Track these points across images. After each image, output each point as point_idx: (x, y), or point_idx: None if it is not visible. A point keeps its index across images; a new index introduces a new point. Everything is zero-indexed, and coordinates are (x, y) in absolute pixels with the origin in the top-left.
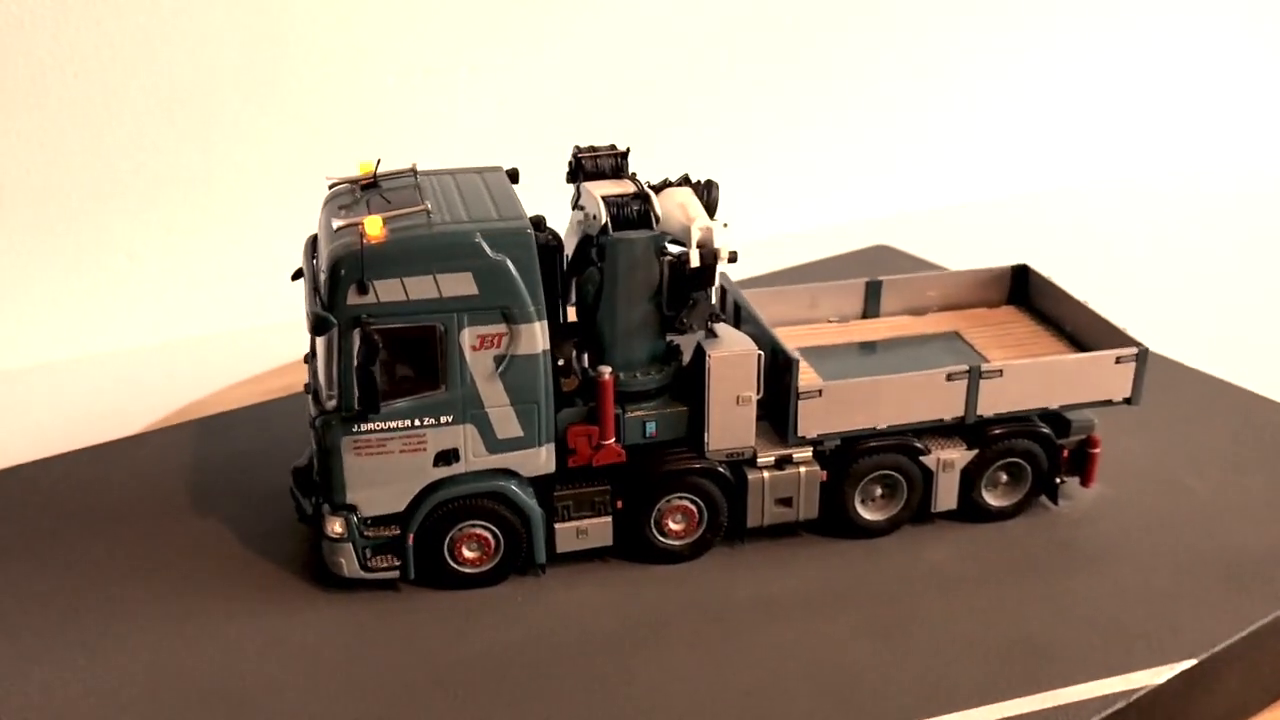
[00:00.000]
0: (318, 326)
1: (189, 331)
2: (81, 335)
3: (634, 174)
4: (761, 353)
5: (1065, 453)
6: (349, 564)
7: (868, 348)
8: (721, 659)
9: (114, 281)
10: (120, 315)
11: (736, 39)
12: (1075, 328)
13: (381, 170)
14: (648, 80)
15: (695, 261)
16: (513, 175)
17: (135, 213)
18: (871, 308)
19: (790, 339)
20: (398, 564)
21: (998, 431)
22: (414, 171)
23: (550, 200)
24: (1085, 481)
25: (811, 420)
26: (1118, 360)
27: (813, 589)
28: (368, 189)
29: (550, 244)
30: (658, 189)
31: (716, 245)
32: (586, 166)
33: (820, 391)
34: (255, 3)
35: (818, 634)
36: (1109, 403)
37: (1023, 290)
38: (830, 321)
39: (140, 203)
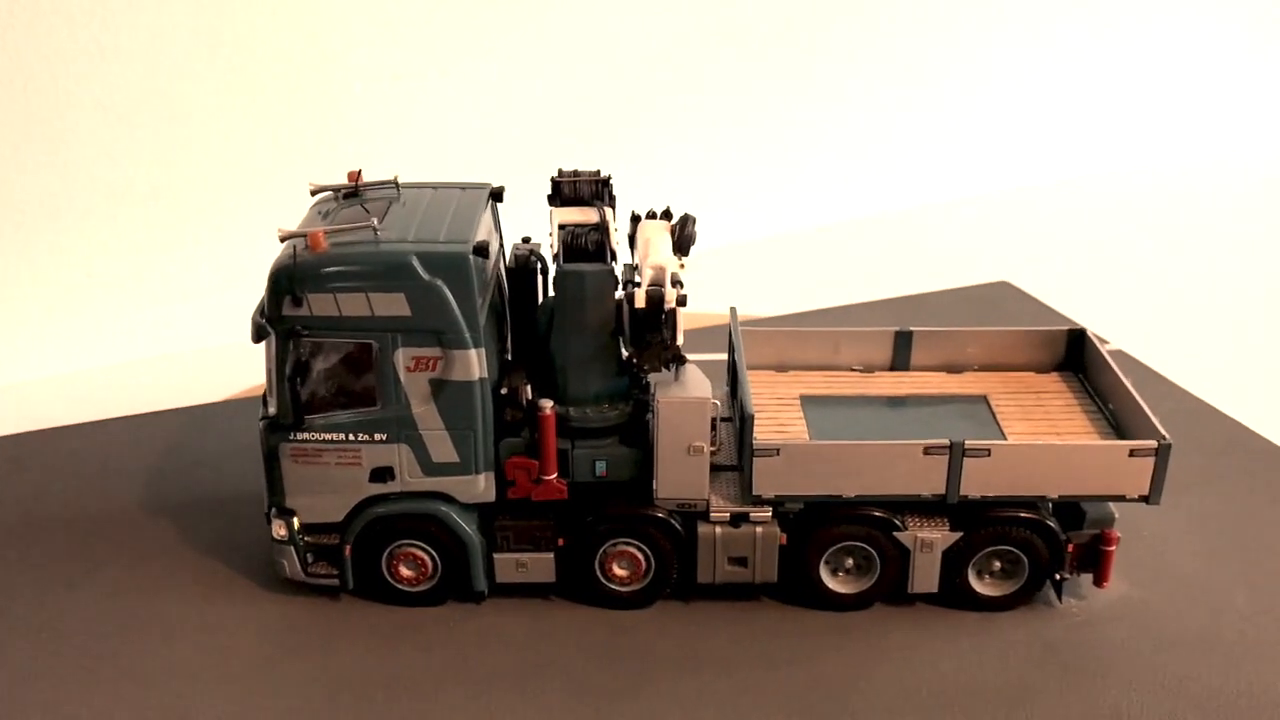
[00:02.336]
0: (255, 334)
1: (151, 351)
2: (40, 356)
3: (610, 201)
4: (716, 401)
5: (1071, 547)
6: (290, 566)
7: (879, 403)
8: (613, 712)
9: (73, 300)
10: (80, 335)
11: (712, 37)
12: (1116, 408)
13: (364, 181)
14: (623, 82)
15: (640, 301)
16: (496, 194)
17: (93, 229)
18: (900, 359)
19: (804, 385)
20: (336, 573)
21: (988, 516)
22: (395, 184)
23: (531, 212)
24: (1099, 581)
25: (769, 480)
26: (1132, 453)
27: (747, 653)
28: (348, 197)
29: (530, 267)
30: (635, 220)
31: (667, 287)
32: (565, 191)
33: (778, 451)
34: (216, 11)
35: (729, 700)
36: (1123, 498)
37: (1078, 357)
38: (854, 370)
39: (98, 219)
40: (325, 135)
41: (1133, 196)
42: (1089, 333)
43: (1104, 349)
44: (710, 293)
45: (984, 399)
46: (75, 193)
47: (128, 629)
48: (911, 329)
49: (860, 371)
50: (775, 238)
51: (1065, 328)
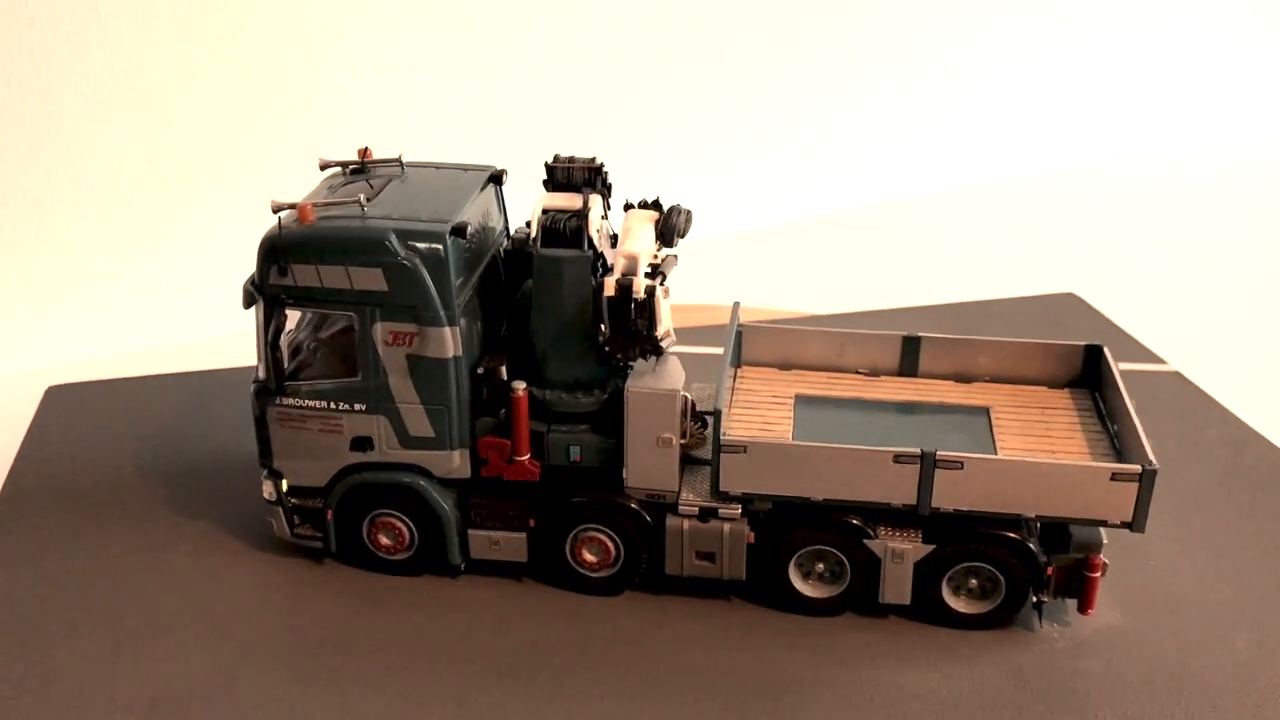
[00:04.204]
0: (245, 300)
1: (136, 346)
2: (23, 352)
3: (605, 189)
4: (686, 394)
5: (1051, 569)
6: (279, 526)
7: (874, 408)
8: (546, 701)
9: (56, 295)
10: (63, 330)
11: (701, 25)
12: (1120, 429)
13: (371, 158)
14: (610, 71)
15: (610, 290)
16: (497, 177)
17: (77, 223)
18: (909, 365)
19: (803, 385)
20: (320, 536)
21: (962, 530)
22: (399, 162)
23: (532, 199)
24: (1083, 608)
25: (736, 476)
26: (1114, 477)
27: (704, 642)
28: (356, 173)
29: (526, 250)
30: (628, 209)
31: (638, 276)
32: (558, 176)
33: (745, 448)
34: (200, 3)
35: (672, 680)
36: (1104, 523)
37: (1094, 374)
38: (859, 373)
39: (82, 212)
40: (311, 128)
41: (1225, 202)
42: (1105, 350)
43: (1130, 368)
44: (736, 285)
45: (986, 411)
46: (58, 186)
47: (119, 578)
48: (920, 335)
49: (865, 375)
50: (822, 220)
51: (1082, 343)
